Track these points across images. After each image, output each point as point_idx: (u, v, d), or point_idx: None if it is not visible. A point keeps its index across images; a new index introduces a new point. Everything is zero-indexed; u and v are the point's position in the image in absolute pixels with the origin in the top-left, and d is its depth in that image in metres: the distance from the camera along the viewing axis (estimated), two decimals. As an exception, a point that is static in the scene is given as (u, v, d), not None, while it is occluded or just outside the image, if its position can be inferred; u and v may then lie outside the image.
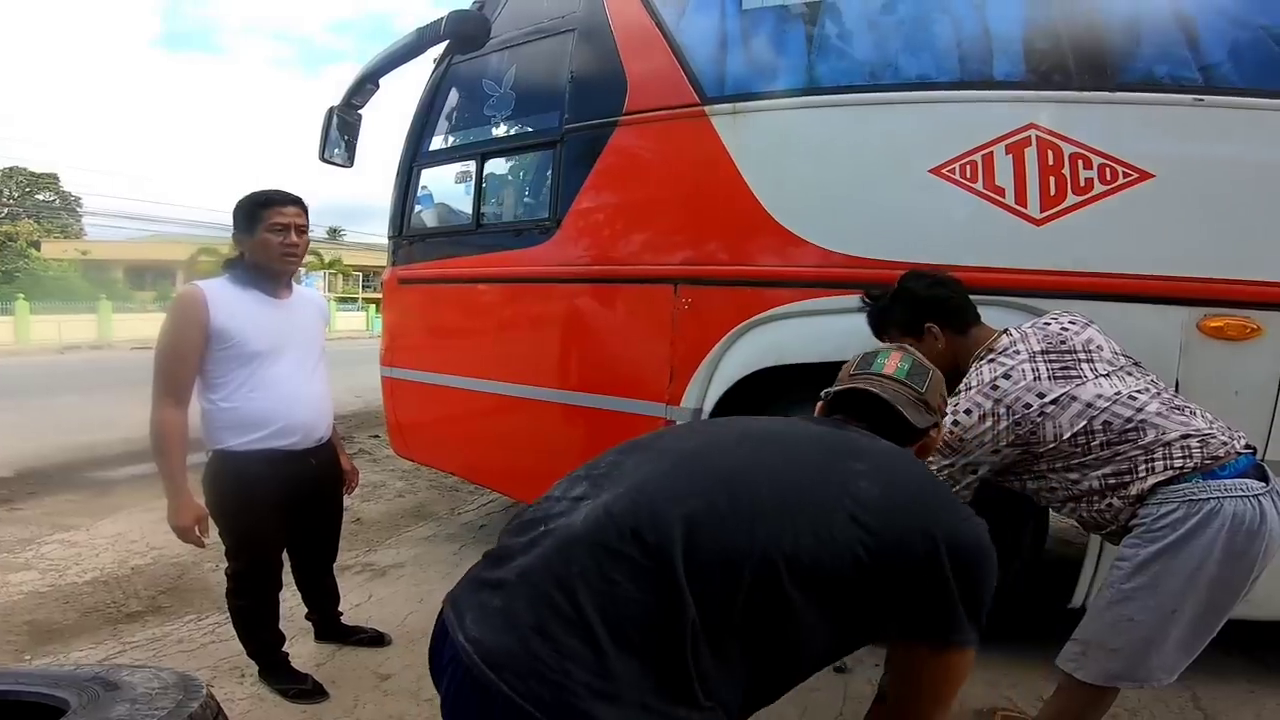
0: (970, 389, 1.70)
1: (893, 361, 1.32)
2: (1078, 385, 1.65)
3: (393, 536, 3.84)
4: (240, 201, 2.14)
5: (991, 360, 1.73)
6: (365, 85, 3.71)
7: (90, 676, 1.69)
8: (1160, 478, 1.57)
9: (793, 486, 1.05)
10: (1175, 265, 2.12)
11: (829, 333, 2.37)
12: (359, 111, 3.79)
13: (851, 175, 2.43)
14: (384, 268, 3.75)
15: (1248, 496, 1.54)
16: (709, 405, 2.57)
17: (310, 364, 2.24)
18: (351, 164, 3.87)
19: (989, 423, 1.65)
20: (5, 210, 33.71)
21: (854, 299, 2.14)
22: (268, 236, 2.09)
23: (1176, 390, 2.01)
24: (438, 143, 3.56)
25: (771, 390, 2.58)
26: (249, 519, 2.14)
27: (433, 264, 3.40)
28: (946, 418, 1.54)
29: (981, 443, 1.65)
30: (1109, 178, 2.15)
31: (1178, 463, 1.57)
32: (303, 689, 2.29)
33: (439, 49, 3.47)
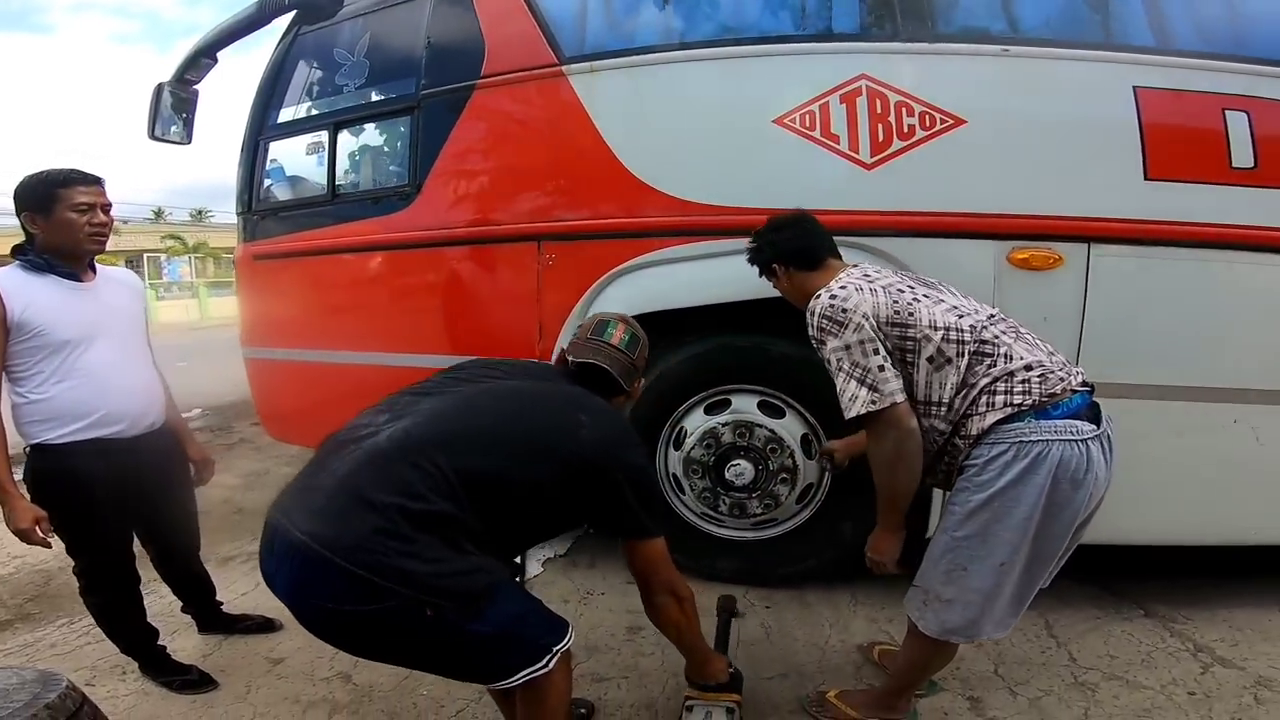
0: (835, 283, 1.73)
1: (618, 333, 1.73)
2: (940, 295, 1.72)
3: (277, 525, 3.66)
4: (28, 182, 1.92)
5: (849, 276, 1.76)
6: (200, 60, 3.41)
7: (-62, 682, 1.59)
8: (999, 414, 1.55)
9: (540, 429, 1.46)
10: (986, 203, 2.31)
11: (687, 280, 2.45)
12: (195, 87, 3.50)
13: (702, 127, 2.50)
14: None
15: (1076, 440, 1.52)
16: None
17: (131, 348, 2.08)
18: (190, 140, 3.59)
19: (865, 293, 1.66)
20: None
21: (709, 245, 2.23)
22: (71, 217, 1.91)
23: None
24: (286, 115, 3.35)
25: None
26: (78, 513, 1.98)
27: (288, 237, 3.22)
28: (821, 298, 1.70)
29: (864, 313, 1.62)
30: (928, 124, 2.32)
31: (1016, 399, 1.55)
32: (188, 679, 2.21)
33: (284, 20, 3.26)
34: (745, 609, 2.56)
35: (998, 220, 2.30)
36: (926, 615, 1.70)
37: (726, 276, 2.25)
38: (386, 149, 3.23)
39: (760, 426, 2.54)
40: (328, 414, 3.38)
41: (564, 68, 2.61)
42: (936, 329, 1.62)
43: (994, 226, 2.30)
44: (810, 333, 1.72)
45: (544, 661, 1.38)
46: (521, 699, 1.44)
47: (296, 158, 3.35)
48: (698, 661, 1.82)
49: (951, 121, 2.31)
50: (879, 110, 2.34)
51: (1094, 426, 1.55)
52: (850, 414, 1.64)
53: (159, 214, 39.47)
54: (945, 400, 1.62)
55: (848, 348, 1.64)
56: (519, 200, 2.68)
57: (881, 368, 1.61)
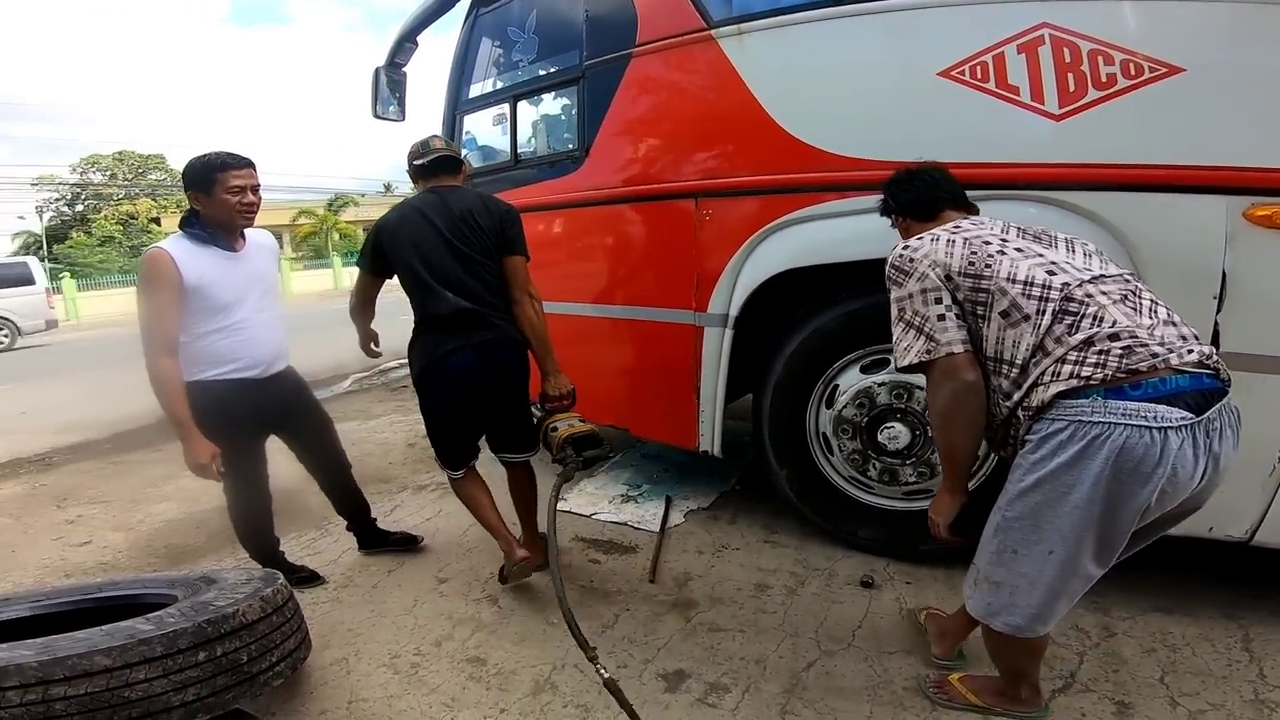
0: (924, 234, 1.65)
1: (438, 141, 2.44)
2: (1041, 250, 1.53)
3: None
4: (193, 164, 2.20)
5: (942, 227, 1.66)
6: (404, 44, 3.83)
7: (198, 577, 2.07)
8: (1062, 386, 1.36)
9: (480, 228, 2.32)
10: (1215, 155, 1.96)
11: (844, 235, 2.37)
12: (403, 69, 3.92)
13: (858, 82, 2.37)
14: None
15: (1149, 427, 1.28)
16: (734, 310, 2.63)
17: (266, 304, 2.38)
18: (403, 118, 4.04)
19: (940, 243, 1.56)
20: (123, 191, 35.91)
21: (865, 200, 2.12)
22: (225, 197, 2.18)
23: (1223, 284, 1.93)
24: (475, 90, 3.64)
25: (793, 294, 2.61)
26: (227, 435, 2.27)
27: None
28: (895, 248, 1.65)
29: (931, 261, 1.54)
30: (1134, 73, 2.00)
31: (1086, 370, 1.35)
32: (300, 576, 2.62)
33: (465, 3, 3.56)
34: (883, 581, 2.46)
35: (1231, 174, 1.94)
36: (975, 595, 1.59)
37: (883, 231, 2.14)
38: (559, 117, 3.42)
39: (920, 388, 2.39)
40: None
41: (712, 32, 2.58)
42: (1015, 282, 1.45)
43: (1226, 180, 1.95)
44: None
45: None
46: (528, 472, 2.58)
47: (485, 129, 3.65)
48: (549, 364, 2.47)
49: (1164, 70, 1.98)
50: (1068, 60, 2.07)
51: (1187, 414, 1.30)
52: (903, 363, 1.55)
53: (388, 188, 44.08)
54: (1017, 361, 1.45)
55: (909, 296, 1.55)
56: (676, 160, 2.73)
57: (941, 317, 1.49)
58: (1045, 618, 1.50)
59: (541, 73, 3.35)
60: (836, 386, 2.58)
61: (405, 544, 2.92)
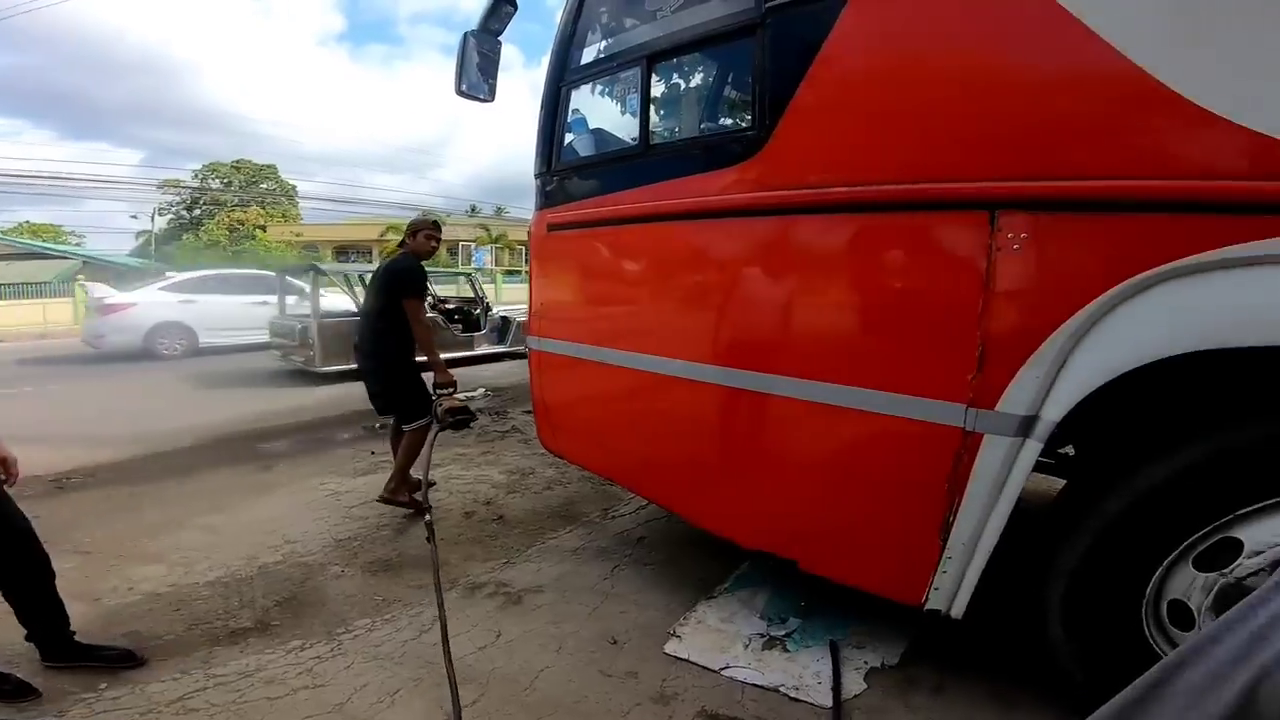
0: None
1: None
2: None
3: (535, 545, 2.97)
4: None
5: None
6: (501, 6, 2.80)
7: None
8: None
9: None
10: None
11: None
12: (498, 39, 2.89)
13: None
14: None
15: None
16: (1054, 412, 1.41)
17: None
18: (493, 97, 2.99)
19: None
20: (236, 199, 37.26)
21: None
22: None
23: None
24: (589, 55, 2.54)
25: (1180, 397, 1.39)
26: None
27: (592, 202, 2.38)
28: None
29: None
30: None
31: None
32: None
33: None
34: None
35: None
36: None
37: None
38: (716, 84, 2.26)
39: None
40: (615, 431, 2.37)
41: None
42: None
43: None
44: None
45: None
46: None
47: (603, 106, 2.53)
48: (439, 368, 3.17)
49: None
50: None
51: None
52: None
53: (473, 210, 44.71)
54: None
55: None
56: (950, 144, 1.51)
57: None
58: None
59: (693, 23, 2.15)
60: (1235, 542, 1.39)
61: (124, 660, 2.11)
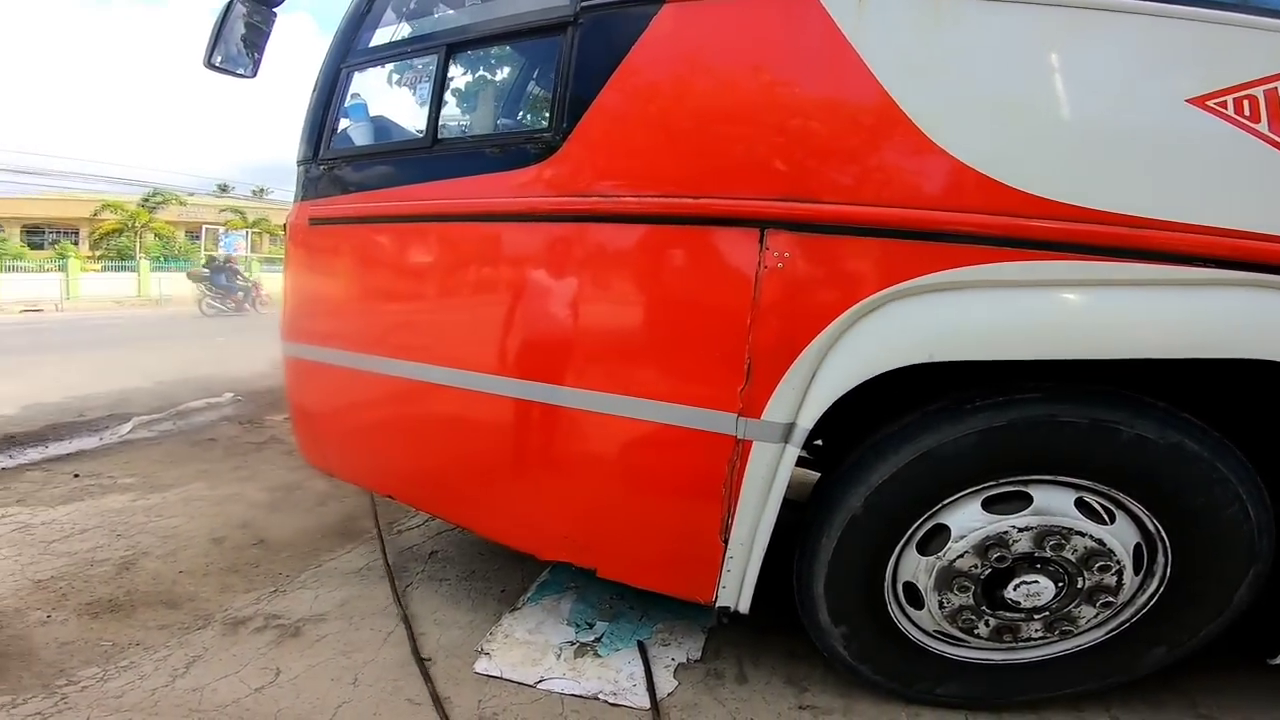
0: None
1: None
2: None
3: (309, 569, 2.63)
4: None
5: None
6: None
7: None
8: None
9: None
10: None
11: (1035, 318, 1.44)
12: (273, 9, 2.53)
13: (1081, 97, 1.46)
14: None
15: None
16: (807, 419, 1.57)
17: None
18: (255, 73, 2.62)
19: None
20: None
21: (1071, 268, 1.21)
22: None
23: None
24: (380, 36, 2.33)
25: (901, 399, 1.63)
26: None
27: (363, 196, 2.16)
28: None
29: None
30: None
31: None
32: None
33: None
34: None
35: None
36: None
37: (1136, 319, 1.27)
38: (516, 81, 2.20)
39: (1081, 534, 1.59)
40: (388, 445, 2.13)
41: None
42: None
43: None
44: None
45: None
46: None
47: (385, 94, 2.34)
48: None
49: None
50: None
51: None
52: None
53: (224, 188, 38.80)
54: None
55: None
56: (730, 162, 1.61)
57: None
58: None
59: (502, 14, 2.06)
60: (945, 528, 1.65)
61: None
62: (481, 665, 2.01)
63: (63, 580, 2.45)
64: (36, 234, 31.03)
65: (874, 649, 1.84)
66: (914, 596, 1.74)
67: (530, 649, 2.10)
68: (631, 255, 1.73)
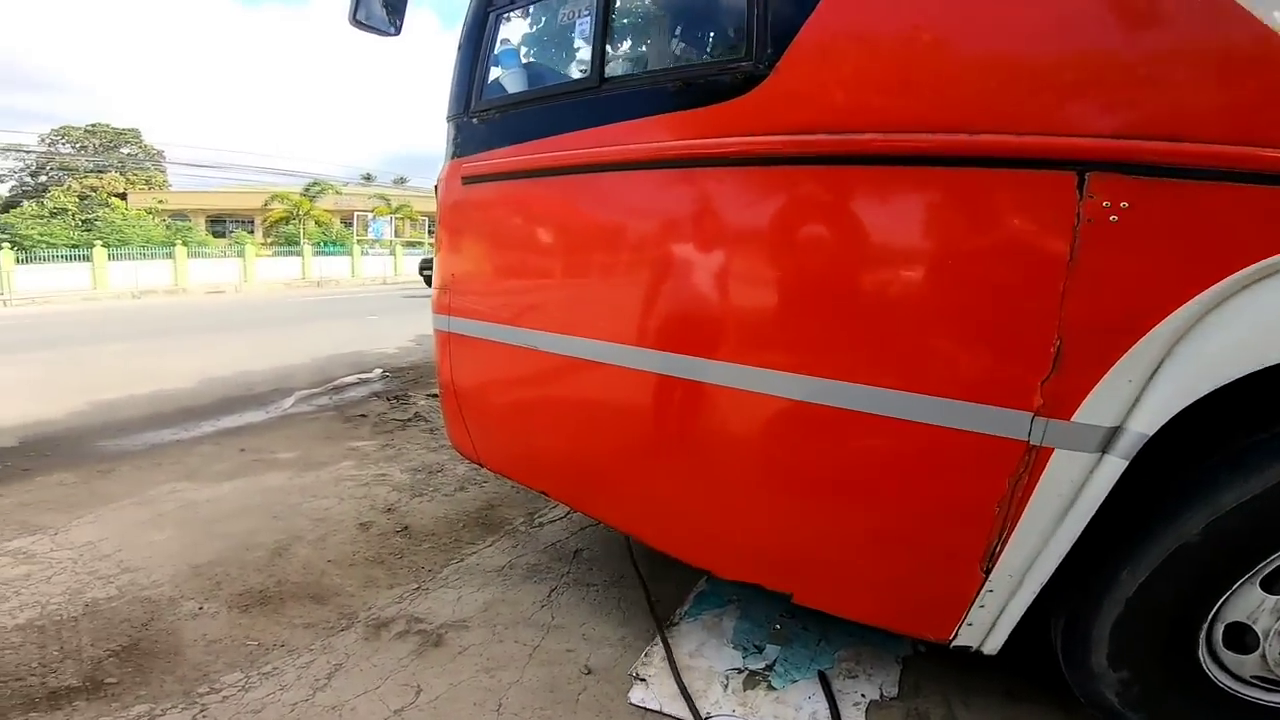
0: None
1: None
2: None
3: (451, 563, 2.46)
4: None
5: None
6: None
7: None
8: None
9: None
10: None
11: None
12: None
13: None
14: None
15: None
16: (1144, 425, 1.10)
17: None
18: (398, 31, 2.43)
19: None
20: (91, 164, 32.93)
21: None
22: None
23: None
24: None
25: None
26: None
27: (523, 149, 1.86)
28: None
29: None
30: None
31: None
32: None
33: None
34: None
35: None
36: None
37: None
38: (696, 7, 1.81)
39: None
40: (549, 435, 1.61)
41: None
42: None
43: None
44: None
45: None
46: None
47: (539, 36, 2.04)
48: None
49: None
50: None
51: None
52: None
53: (368, 178, 41.95)
54: None
55: None
56: (1030, 87, 1.14)
57: None
58: None
59: None
60: None
61: None
62: (638, 695, 1.72)
63: (219, 566, 2.42)
64: (219, 223, 34.92)
65: (1155, 696, 1.39)
66: (1238, 639, 1.30)
67: (693, 676, 1.78)
68: (876, 205, 1.30)
